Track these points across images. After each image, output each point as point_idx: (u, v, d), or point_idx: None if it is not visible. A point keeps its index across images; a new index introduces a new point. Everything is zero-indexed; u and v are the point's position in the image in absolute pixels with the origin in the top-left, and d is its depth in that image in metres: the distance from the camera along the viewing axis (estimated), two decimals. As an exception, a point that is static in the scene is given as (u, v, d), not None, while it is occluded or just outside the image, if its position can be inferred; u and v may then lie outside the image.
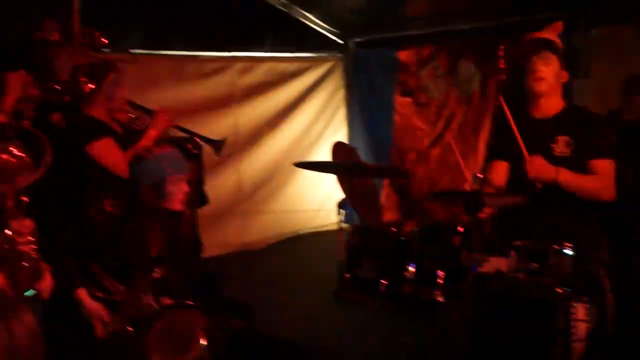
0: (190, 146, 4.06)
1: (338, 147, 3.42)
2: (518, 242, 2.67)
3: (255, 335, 4.21)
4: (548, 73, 3.08)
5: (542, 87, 3.08)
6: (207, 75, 6.72)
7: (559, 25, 3.21)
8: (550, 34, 3.17)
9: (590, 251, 2.66)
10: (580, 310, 2.63)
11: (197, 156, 4.15)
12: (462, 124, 7.09)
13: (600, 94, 5.72)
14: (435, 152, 7.35)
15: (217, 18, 6.56)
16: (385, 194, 7.69)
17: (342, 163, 3.36)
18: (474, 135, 6.95)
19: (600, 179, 3.04)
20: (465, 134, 7.06)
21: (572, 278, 2.59)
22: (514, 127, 3.00)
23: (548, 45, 3.10)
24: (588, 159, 3.06)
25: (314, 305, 4.82)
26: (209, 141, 4.39)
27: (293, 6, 6.99)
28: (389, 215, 7.67)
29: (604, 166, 3.06)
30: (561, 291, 2.52)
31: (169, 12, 6.12)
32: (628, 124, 4.92)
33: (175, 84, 6.34)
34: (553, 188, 2.98)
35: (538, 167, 2.94)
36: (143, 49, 5.83)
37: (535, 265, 2.60)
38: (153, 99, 4.72)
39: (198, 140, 4.22)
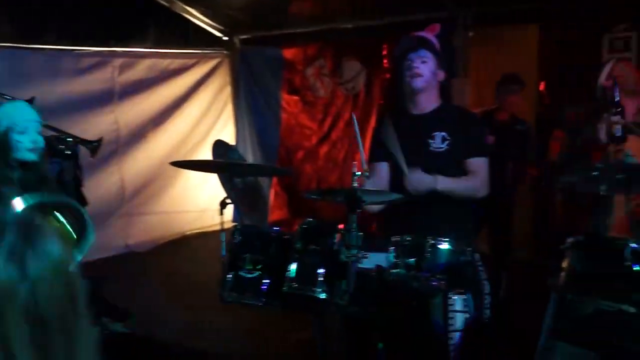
0: (63, 146, 3.86)
1: (218, 146, 3.36)
2: (396, 238, 2.70)
3: (137, 339, 4.09)
4: (425, 70, 3.13)
5: (419, 83, 3.14)
6: (84, 70, 6.45)
7: (437, 26, 3.28)
8: (426, 33, 3.24)
9: (465, 244, 2.72)
10: (457, 301, 2.70)
11: (71, 156, 3.94)
12: (349, 122, 7.17)
13: (477, 93, 5.95)
14: (323, 150, 7.40)
15: (95, 11, 6.31)
16: (274, 192, 7.68)
17: (220, 161, 3.27)
18: (361, 134, 7.04)
19: (474, 178, 3.13)
20: (352, 132, 7.15)
21: (448, 271, 2.65)
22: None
23: (424, 43, 3.16)
24: (463, 158, 3.14)
25: (198, 306, 4.72)
26: (82, 142, 4.20)
27: (176, 1, 6.82)
28: (278, 214, 7.66)
29: (479, 165, 3.16)
30: (437, 284, 2.57)
31: (42, 3, 5.81)
32: (501, 122, 5.14)
33: (49, 79, 6.04)
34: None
35: (417, 181, 3.00)
36: (12, 42, 5.51)
37: (412, 259, 2.63)
38: (26, 96, 4.47)
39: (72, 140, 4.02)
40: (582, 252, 2.49)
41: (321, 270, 2.63)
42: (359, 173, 2.59)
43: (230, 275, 2.90)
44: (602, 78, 3.40)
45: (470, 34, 6.22)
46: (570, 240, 2.57)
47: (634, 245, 2.35)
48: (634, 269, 2.30)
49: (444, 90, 3.42)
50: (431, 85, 3.18)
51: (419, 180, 3.02)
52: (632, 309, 2.29)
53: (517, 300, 4.77)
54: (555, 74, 5.98)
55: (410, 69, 3.11)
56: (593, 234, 3.15)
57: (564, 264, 2.54)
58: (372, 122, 6.89)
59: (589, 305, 2.51)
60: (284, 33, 7.41)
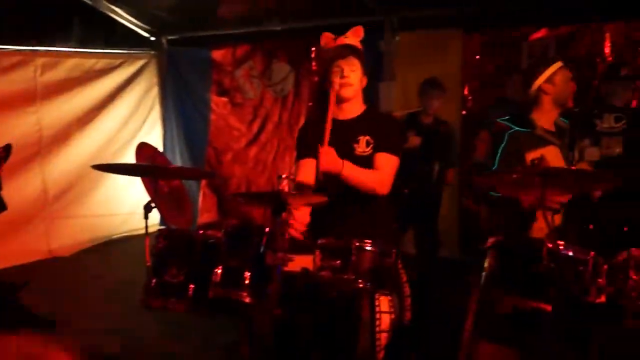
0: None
1: (141, 148, 3.32)
2: (322, 241, 2.72)
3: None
4: (354, 79, 3.15)
5: (348, 93, 3.16)
6: (4, 70, 6.22)
7: (360, 30, 3.28)
8: (353, 40, 3.24)
9: (388, 246, 2.76)
10: (383, 303, 2.74)
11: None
12: (278, 124, 7.19)
13: (404, 96, 6.04)
14: (252, 151, 7.39)
15: (16, 9, 6.11)
16: (203, 194, 7.62)
17: (144, 165, 3.22)
18: (290, 135, 7.08)
19: (379, 173, 3.14)
20: (281, 134, 7.17)
21: (373, 272, 2.68)
22: (328, 124, 3.03)
23: (354, 51, 3.18)
24: (375, 152, 3.17)
25: (124, 313, 4.63)
26: None
27: (101, 0, 6.67)
28: (208, 217, 7.60)
29: (386, 160, 3.16)
30: (364, 286, 2.61)
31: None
32: (426, 125, 5.25)
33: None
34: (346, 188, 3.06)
35: (328, 158, 2.99)
36: None
37: (338, 262, 2.66)
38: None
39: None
40: (502, 252, 2.57)
41: (247, 274, 2.63)
42: (284, 176, 2.60)
43: (155, 281, 2.86)
44: (541, 80, 3.46)
45: (397, 38, 6.33)
46: (490, 240, 2.64)
47: (551, 246, 2.44)
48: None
49: (372, 94, 3.47)
50: (357, 93, 3.22)
51: (331, 158, 3.00)
52: (548, 307, 2.38)
53: (445, 300, 4.86)
54: (478, 77, 6.14)
55: (341, 77, 3.13)
56: (512, 234, 3.24)
57: (485, 264, 2.62)
58: (301, 124, 6.91)
59: (508, 304, 2.59)
60: (212, 34, 7.36)
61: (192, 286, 2.83)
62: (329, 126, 3.02)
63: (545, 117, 3.43)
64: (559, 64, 3.44)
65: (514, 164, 3.19)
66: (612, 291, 2.36)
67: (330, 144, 3.13)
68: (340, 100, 3.20)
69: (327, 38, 3.23)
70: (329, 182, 3.08)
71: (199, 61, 7.56)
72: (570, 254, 2.43)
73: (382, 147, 3.16)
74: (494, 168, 3.31)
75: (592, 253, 2.42)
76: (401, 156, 3.20)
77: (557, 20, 5.70)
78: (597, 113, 4.60)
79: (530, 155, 3.21)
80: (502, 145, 3.34)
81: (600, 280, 2.38)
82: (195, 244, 2.90)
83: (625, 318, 2.30)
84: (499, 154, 3.33)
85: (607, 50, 5.50)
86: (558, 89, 3.41)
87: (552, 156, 3.19)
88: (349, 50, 3.16)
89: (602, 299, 2.37)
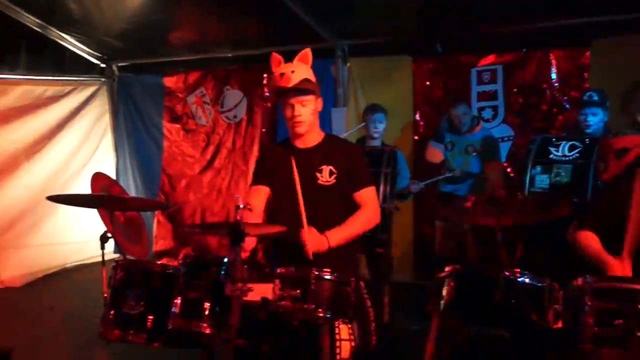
0: None
1: (96, 178, 3.28)
2: (281, 270, 2.74)
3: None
4: (306, 114, 3.16)
5: (301, 129, 3.18)
6: (-50, 98, 6.09)
7: (307, 54, 3.22)
8: (301, 70, 3.19)
9: (348, 273, 2.80)
10: (343, 331, 2.76)
11: None
12: (232, 150, 7.19)
13: (356, 121, 6.11)
14: (207, 178, 7.37)
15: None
16: (157, 221, 7.55)
17: (99, 195, 3.19)
18: (244, 161, 7.09)
19: (366, 212, 3.22)
20: (235, 160, 7.17)
21: (333, 301, 2.71)
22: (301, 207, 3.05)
23: (302, 92, 3.12)
24: (353, 191, 3.22)
25: (79, 344, 4.54)
26: None
27: (50, 27, 6.59)
28: (163, 244, 7.52)
29: (368, 194, 3.25)
30: (323, 314, 2.63)
31: None
32: (372, 147, 5.27)
33: None
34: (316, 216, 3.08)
35: (313, 241, 3.02)
36: None
37: (298, 291, 2.68)
38: None
39: None
40: (460, 281, 2.62)
41: (206, 305, 2.63)
42: (242, 206, 2.62)
43: (113, 312, 2.83)
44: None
45: (348, 64, 6.42)
46: (448, 269, 2.69)
47: (507, 274, 2.51)
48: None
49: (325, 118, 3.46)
50: (313, 124, 3.24)
51: (316, 241, 3.04)
52: (507, 334, 2.45)
53: (400, 324, 4.90)
54: (428, 103, 6.26)
55: (293, 118, 3.14)
56: (470, 264, 3.31)
57: (444, 292, 2.66)
58: (255, 150, 6.95)
59: (468, 331, 2.65)
60: (163, 61, 7.34)
61: (151, 317, 2.81)
62: (302, 209, 3.04)
63: None
64: None
65: None
66: (569, 317, 2.43)
67: (288, 173, 3.15)
68: (296, 136, 3.23)
69: (275, 60, 3.19)
70: (284, 212, 3.11)
71: (151, 88, 7.53)
72: (527, 281, 2.50)
73: (358, 184, 3.22)
74: None
75: (548, 280, 2.49)
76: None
77: (504, 46, 5.86)
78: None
79: None
80: None
81: (557, 306, 2.46)
82: (153, 275, 2.89)
83: (581, 343, 2.34)
84: None
85: (553, 76, 5.69)
86: None
87: None
88: (296, 92, 3.12)
89: (559, 324, 2.44)
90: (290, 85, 3.09)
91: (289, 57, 3.24)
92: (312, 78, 3.18)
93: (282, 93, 3.13)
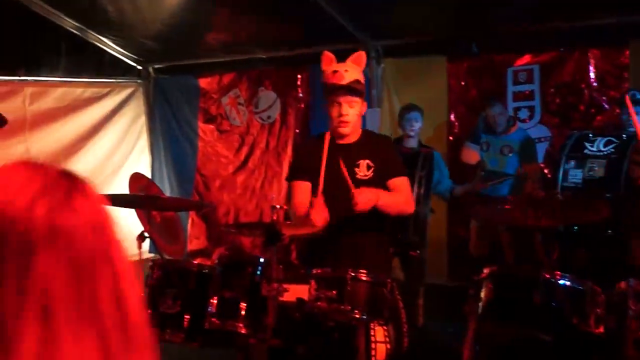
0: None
1: (134, 179, 3.31)
2: (317, 271, 2.74)
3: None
4: (353, 115, 3.16)
5: (347, 129, 3.19)
6: (-6, 100, 6.21)
7: (361, 57, 3.20)
8: (353, 71, 3.17)
9: (383, 275, 2.79)
10: (378, 333, 2.75)
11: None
12: (265, 151, 7.22)
13: (390, 123, 6.10)
14: (240, 178, 7.40)
15: (4, 40, 6.12)
16: (192, 221, 7.60)
17: (137, 195, 3.23)
18: (277, 162, 7.11)
19: (403, 195, 3.23)
20: (268, 160, 7.20)
21: (369, 302, 2.70)
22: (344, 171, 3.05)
23: (352, 91, 3.12)
24: (387, 179, 3.21)
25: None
26: None
27: (88, 30, 6.70)
28: (197, 244, 7.57)
29: (402, 183, 3.25)
30: (359, 316, 2.62)
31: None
32: (408, 149, 5.25)
33: (-45, 109, 5.77)
34: (351, 217, 3.07)
35: (365, 198, 3.00)
36: None
37: (334, 292, 2.68)
38: None
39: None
40: (498, 283, 2.59)
41: (242, 305, 2.64)
42: (278, 206, 2.63)
43: (150, 312, 2.87)
44: None
45: (382, 65, 6.40)
46: (486, 270, 2.67)
47: (547, 276, 2.47)
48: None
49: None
50: (356, 126, 3.25)
51: (368, 197, 3.02)
52: (547, 337, 2.41)
53: (435, 327, 4.87)
54: (463, 104, 6.21)
55: (340, 116, 3.14)
56: (507, 265, 3.27)
57: (481, 294, 2.64)
58: (288, 151, 6.97)
59: (506, 334, 2.61)
60: (199, 62, 7.40)
61: (187, 317, 2.84)
62: (351, 183, 3.04)
63: None
64: None
65: None
66: (611, 321, 2.38)
67: (331, 167, 3.16)
68: (339, 136, 3.23)
69: (327, 59, 3.19)
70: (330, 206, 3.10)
71: (186, 89, 7.60)
72: (568, 283, 2.46)
73: (392, 173, 3.22)
74: None
75: (589, 283, 2.45)
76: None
77: (541, 46, 5.78)
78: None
79: None
80: None
81: (599, 310, 2.41)
82: (189, 275, 2.92)
83: (624, 348, 2.30)
84: None
85: (591, 75, 5.59)
86: None
87: None
88: (347, 91, 3.12)
89: (601, 329, 2.39)
90: (343, 83, 3.09)
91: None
92: (363, 81, 3.19)
93: (333, 90, 3.13)
